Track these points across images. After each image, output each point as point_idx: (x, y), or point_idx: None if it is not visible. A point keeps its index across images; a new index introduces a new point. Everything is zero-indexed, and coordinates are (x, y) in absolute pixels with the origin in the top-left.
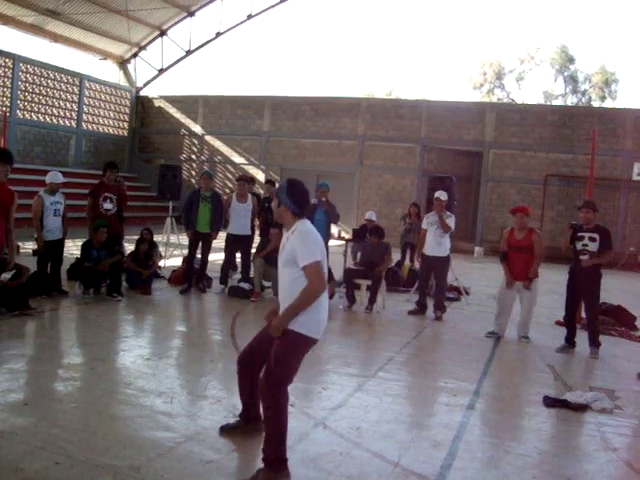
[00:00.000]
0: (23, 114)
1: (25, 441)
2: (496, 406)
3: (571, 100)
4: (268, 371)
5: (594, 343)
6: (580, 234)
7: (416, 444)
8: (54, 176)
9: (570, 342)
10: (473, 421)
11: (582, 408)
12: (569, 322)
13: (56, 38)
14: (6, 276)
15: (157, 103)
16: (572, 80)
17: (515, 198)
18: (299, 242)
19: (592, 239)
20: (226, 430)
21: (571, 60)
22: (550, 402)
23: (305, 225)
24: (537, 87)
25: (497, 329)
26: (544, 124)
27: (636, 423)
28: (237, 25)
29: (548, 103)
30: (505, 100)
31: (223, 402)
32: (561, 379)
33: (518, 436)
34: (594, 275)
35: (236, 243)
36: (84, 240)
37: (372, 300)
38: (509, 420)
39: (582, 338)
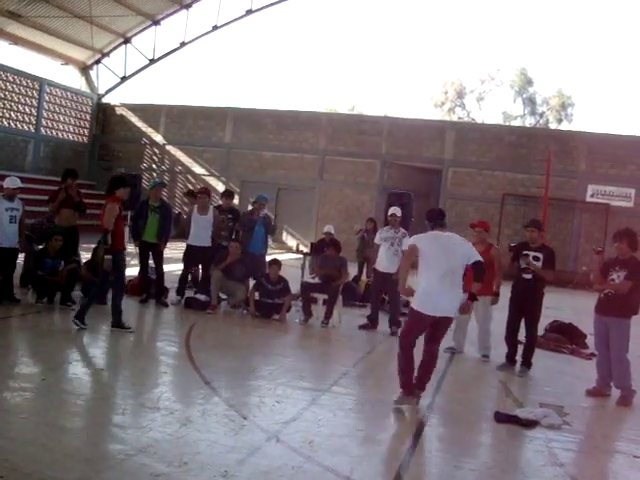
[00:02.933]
0: None
1: None
2: (448, 421)
3: (529, 121)
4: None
5: (527, 363)
6: (525, 252)
7: (368, 458)
8: (10, 181)
9: (510, 360)
10: (425, 436)
11: (532, 424)
12: (510, 340)
13: (16, 40)
14: None
15: (119, 111)
16: (530, 102)
17: (473, 216)
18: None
19: (536, 258)
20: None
21: (530, 82)
22: (501, 418)
23: (423, 235)
24: (496, 107)
25: (455, 345)
26: (502, 144)
27: (582, 439)
28: (202, 35)
29: (507, 124)
30: (465, 119)
31: (176, 414)
32: (512, 395)
33: (469, 451)
34: (536, 295)
35: (195, 254)
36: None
37: (328, 314)
38: (460, 435)
39: (535, 354)
